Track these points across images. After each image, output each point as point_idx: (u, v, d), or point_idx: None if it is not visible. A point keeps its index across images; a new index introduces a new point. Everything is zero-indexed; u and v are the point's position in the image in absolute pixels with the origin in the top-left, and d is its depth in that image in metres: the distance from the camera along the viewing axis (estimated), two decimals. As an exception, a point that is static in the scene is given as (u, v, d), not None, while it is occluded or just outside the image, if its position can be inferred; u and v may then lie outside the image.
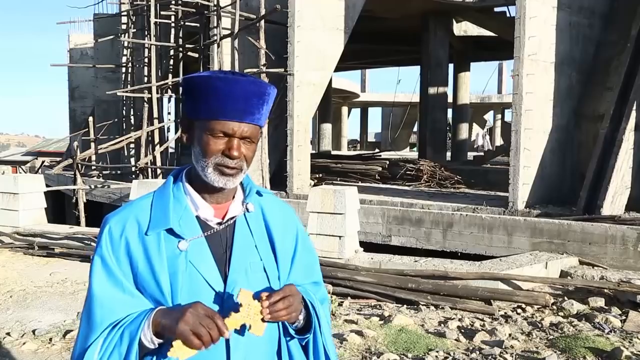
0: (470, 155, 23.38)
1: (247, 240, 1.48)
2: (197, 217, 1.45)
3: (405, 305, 5.86)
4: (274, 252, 1.51)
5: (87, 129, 15.74)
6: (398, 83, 33.28)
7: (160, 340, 1.32)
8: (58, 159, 23.61)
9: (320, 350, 1.52)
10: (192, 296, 1.37)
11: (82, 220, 12.64)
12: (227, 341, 1.38)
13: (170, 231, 1.41)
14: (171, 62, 15.92)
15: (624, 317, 5.35)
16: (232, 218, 1.48)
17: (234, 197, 1.50)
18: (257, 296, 1.36)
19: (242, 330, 1.36)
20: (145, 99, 15.24)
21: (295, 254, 1.57)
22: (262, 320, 1.34)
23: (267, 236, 1.52)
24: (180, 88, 1.57)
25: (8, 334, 4.94)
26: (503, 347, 4.52)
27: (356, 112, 46.83)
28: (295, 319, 1.43)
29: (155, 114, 15.10)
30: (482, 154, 24.16)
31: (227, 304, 1.40)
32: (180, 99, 17.12)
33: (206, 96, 1.39)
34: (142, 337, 1.31)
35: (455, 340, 4.76)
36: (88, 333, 1.36)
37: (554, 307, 5.72)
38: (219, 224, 1.46)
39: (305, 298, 1.48)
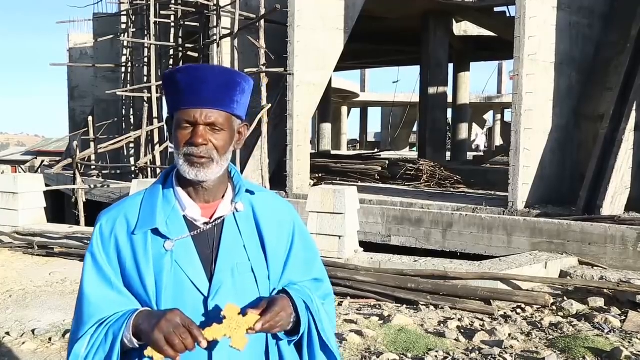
0: (470, 155, 23.39)
1: (235, 240, 1.46)
2: (185, 217, 1.44)
3: (404, 305, 5.86)
4: (264, 252, 1.48)
5: (86, 129, 15.75)
6: (396, 83, 33.17)
7: (140, 342, 1.33)
8: (58, 158, 23.61)
9: (316, 348, 1.49)
10: (176, 296, 1.38)
11: (82, 219, 12.63)
12: (210, 343, 1.37)
13: (157, 231, 1.41)
14: (171, 61, 15.91)
15: (623, 317, 5.35)
16: (220, 218, 1.46)
17: (223, 196, 1.48)
18: (243, 312, 1.34)
19: (218, 345, 1.34)
20: (145, 99, 15.24)
21: (291, 251, 1.54)
22: (248, 331, 1.31)
23: (257, 236, 1.49)
24: None
25: (7, 333, 4.93)
26: (503, 347, 4.52)
27: (356, 111, 46.85)
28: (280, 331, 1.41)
29: (155, 114, 15.10)
30: (481, 153, 24.20)
31: (212, 304, 1.39)
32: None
33: (172, 90, 1.40)
34: (124, 338, 1.33)
35: (455, 340, 4.76)
36: (78, 328, 1.39)
37: (554, 307, 5.72)
38: (206, 223, 1.45)
39: (295, 300, 1.44)
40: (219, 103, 1.38)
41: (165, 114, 15.05)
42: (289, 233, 1.56)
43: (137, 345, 1.33)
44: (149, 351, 1.28)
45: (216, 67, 1.42)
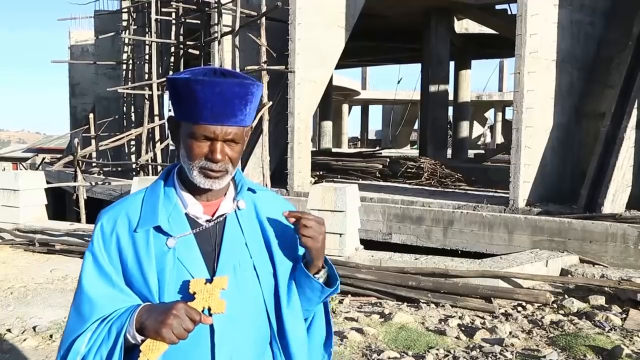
0: (471, 153, 23.38)
1: (237, 237, 1.47)
2: (187, 215, 1.45)
3: (405, 303, 5.86)
4: (268, 250, 1.50)
5: (87, 126, 15.73)
6: (399, 82, 32.91)
7: (143, 337, 1.32)
8: (59, 155, 23.59)
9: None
10: (179, 293, 1.38)
11: (83, 217, 12.64)
12: (212, 339, 1.38)
13: (159, 228, 1.41)
14: (172, 59, 15.90)
15: (624, 316, 5.35)
16: (222, 215, 1.47)
17: (225, 194, 1.50)
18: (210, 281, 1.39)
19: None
20: (146, 96, 15.23)
21: (298, 247, 1.57)
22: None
23: (260, 234, 1.50)
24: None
25: (9, 330, 4.94)
26: (503, 345, 4.53)
27: (357, 109, 46.87)
28: (316, 250, 1.46)
29: (156, 111, 15.09)
30: (483, 151, 24.19)
31: None
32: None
33: (187, 100, 1.37)
34: (127, 334, 1.32)
35: (456, 338, 4.76)
36: (76, 326, 1.37)
37: (555, 305, 5.72)
38: (208, 221, 1.46)
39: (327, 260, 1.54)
40: (236, 119, 1.38)
41: (166, 111, 15.02)
42: (292, 231, 1.57)
43: (140, 341, 1.32)
44: (142, 357, 1.27)
45: (230, 78, 1.38)
